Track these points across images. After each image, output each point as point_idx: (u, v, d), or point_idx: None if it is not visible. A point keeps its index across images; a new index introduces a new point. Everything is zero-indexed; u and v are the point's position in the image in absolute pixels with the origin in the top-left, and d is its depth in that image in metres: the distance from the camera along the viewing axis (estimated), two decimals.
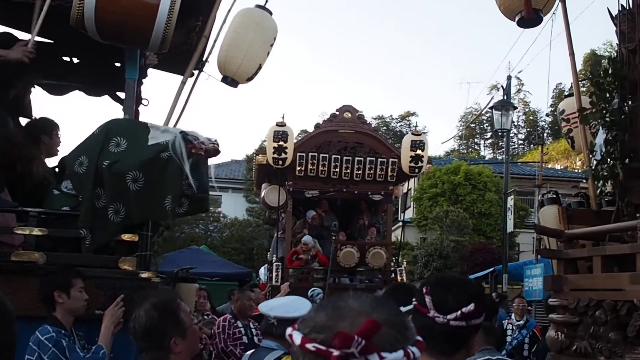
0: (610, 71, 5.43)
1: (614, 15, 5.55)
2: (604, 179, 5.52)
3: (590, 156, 5.78)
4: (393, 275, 13.05)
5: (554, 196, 5.86)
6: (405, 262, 14.47)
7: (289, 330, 1.19)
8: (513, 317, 10.89)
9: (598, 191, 5.70)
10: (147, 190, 4.65)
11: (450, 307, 2.16)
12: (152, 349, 2.91)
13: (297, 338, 1.15)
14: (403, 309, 3.14)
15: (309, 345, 1.12)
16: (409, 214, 32.43)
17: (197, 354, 3.40)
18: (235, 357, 6.97)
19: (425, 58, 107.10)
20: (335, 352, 1.08)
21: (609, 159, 5.39)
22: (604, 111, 5.43)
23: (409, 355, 1.14)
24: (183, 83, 5.54)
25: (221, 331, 7.28)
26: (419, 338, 1.21)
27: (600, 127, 5.52)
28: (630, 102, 5.35)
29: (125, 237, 4.76)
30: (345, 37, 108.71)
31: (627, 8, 5.46)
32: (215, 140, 4.91)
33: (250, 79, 6.36)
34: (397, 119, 68.26)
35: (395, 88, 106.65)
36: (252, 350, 4.59)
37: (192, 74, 5.86)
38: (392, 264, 13.36)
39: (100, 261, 4.73)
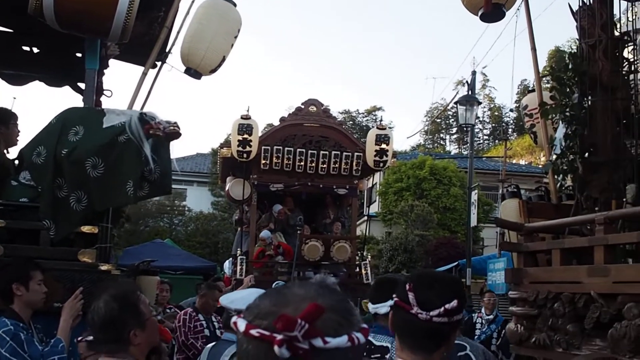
0: (570, 66, 5.49)
1: (574, 11, 5.62)
2: (563, 172, 5.58)
3: (551, 150, 5.84)
4: (358, 269, 13.11)
5: (515, 190, 5.92)
6: (369, 256, 14.50)
7: (234, 318, 1.18)
8: (483, 311, 10.94)
9: (558, 185, 5.77)
10: (107, 175, 4.61)
11: (433, 304, 2.14)
12: (111, 341, 2.87)
13: (242, 325, 1.14)
14: (386, 303, 3.14)
15: (253, 331, 1.11)
16: (375, 208, 32.56)
17: (156, 346, 3.37)
18: (197, 349, 6.95)
19: (392, 53, 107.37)
20: (279, 336, 1.08)
21: (568, 153, 5.45)
22: (564, 106, 5.50)
23: (353, 340, 1.14)
24: (144, 74, 5.49)
25: (182, 324, 7.26)
26: (364, 325, 1.21)
27: (561, 122, 5.58)
28: (590, 97, 5.41)
29: (85, 229, 4.71)
30: (314, 33, 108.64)
31: (588, 4, 5.53)
32: (175, 123, 4.86)
33: (213, 70, 6.33)
34: (363, 113, 68.33)
35: (363, 83, 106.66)
36: (214, 343, 4.58)
37: (155, 65, 5.81)
38: (357, 257, 13.40)
39: (59, 253, 4.67)
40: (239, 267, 12.04)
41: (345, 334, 1.13)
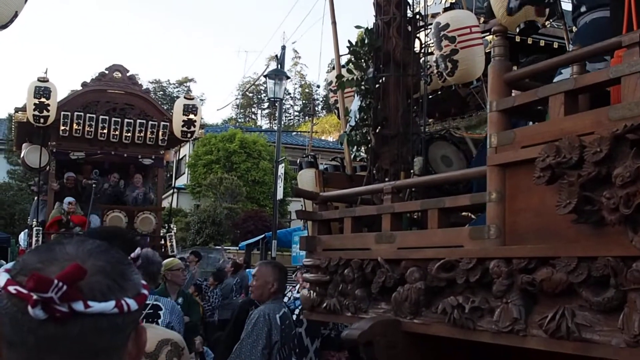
0: (366, 41, 5.66)
1: None
2: (357, 144, 5.75)
3: (347, 122, 6.01)
4: (163, 241, 12.97)
5: (312, 160, 6.04)
6: (175, 228, 14.37)
7: None
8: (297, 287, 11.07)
9: (352, 156, 5.96)
10: None
11: None
12: None
13: (2, 280, 1.06)
14: None
15: (11, 288, 1.03)
16: (184, 180, 32.26)
17: None
18: None
19: (205, 25, 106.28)
20: (35, 296, 1.00)
21: (362, 126, 5.64)
22: (360, 79, 5.67)
23: (121, 306, 1.07)
24: None
25: None
26: (143, 291, 1.15)
27: (356, 95, 5.75)
28: (384, 72, 5.62)
29: None
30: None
31: None
32: None
33: (4, 26, 5.98)
34: (174, 84, 67.05)
35: (175, 54, 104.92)
36: None
37: None
38: (163, 229, 13.26)
39: None
40: (34, 239, 11.47)
41: (114, 299, 1.06)
